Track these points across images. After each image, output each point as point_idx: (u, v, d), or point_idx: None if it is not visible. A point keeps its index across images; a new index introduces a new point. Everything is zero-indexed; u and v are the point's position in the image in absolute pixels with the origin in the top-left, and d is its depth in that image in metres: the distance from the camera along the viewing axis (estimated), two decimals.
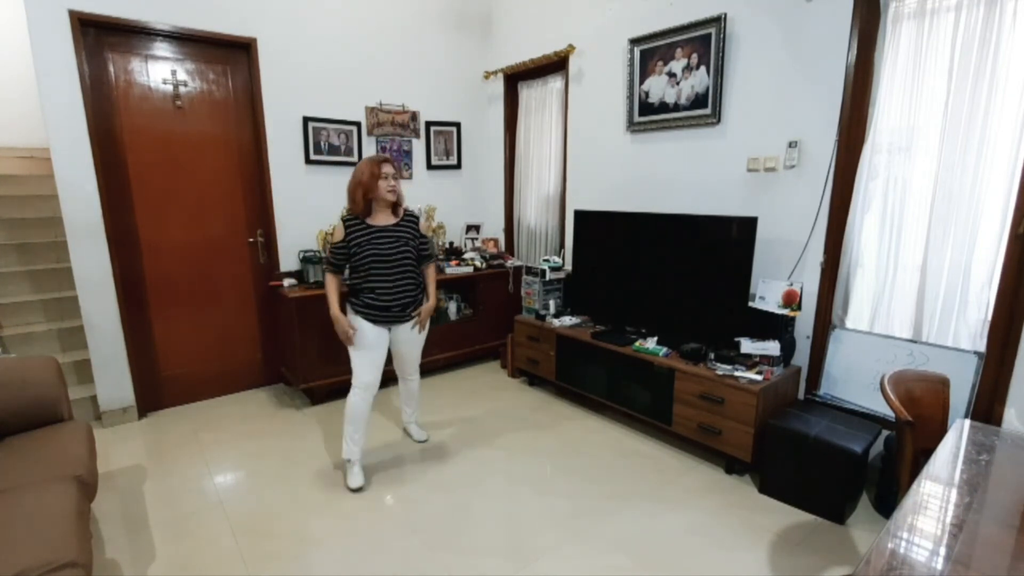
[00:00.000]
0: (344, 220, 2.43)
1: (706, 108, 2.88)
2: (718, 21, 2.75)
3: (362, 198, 2.39)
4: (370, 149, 3.86)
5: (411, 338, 2.62)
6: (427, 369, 3.83)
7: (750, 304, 2.63)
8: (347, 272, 2.50)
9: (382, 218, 2.46)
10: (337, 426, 3.11)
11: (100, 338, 3.01)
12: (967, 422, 1.72)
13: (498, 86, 4.28)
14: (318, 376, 3.34)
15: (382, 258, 2.40)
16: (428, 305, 2.61)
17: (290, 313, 3.22)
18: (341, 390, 3.51)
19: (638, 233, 3.11)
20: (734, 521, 2.22)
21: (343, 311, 2.45)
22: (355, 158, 3.77)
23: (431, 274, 2.63)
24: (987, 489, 1.36)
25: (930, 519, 1.24)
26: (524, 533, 2.15)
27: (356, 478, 2.48)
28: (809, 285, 2.60)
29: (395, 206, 2.49)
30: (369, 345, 2.46)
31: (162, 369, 3.30)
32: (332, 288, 2.43)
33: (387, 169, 2.40)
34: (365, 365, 2.48)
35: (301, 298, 3.20)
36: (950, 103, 2.16)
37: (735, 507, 2.32)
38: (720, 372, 2.53)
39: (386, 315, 2.46)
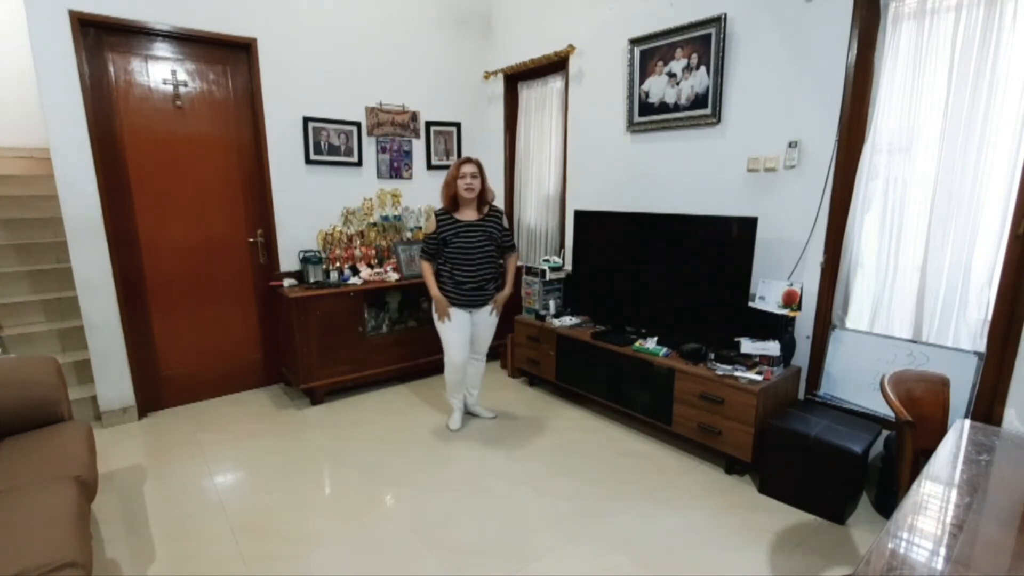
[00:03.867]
0: (436, 214, 2.80)
1: (706, 108, 2.88)
2: (718, 21, 2.75)
3: (448, 197, 2.75)
4: (370, 149, 3.86)
5: (485, 321, 2.92)
6: (426, 370, 3.84)
7: (750, 304, 2.62)
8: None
9: (468, 214, 2.78)
10: (337, 427, 3.12)
11: (100, 338, 3.01)
12: (967, 422, 1.72)
13: (498, 86, 4.28)
14: (318, 376, 3.34)
15: (467, 250, 2.74)
16: (504, 293, 2.94)
17: (290, 313, 3.22)
18: (341, 390, 3.53)
19: (638, 233, 3.11)
20: (734, 521, 2.22)
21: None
22: (355, 158, 3.77)
23: (511, 264, 2.96)
24: (987, 489, 1.36)
25: (930, 519, 1.24)
26: (524, 533, 2.16)
27: (455, 421, 3.04)
28: (809, 285, 2.60)
29: (481, 202, 2.79)
30: (454, 326, 2.82)
31: (162, 369, 3.30)
32: (428, 272, 2.83)
33: (466, 169, 2.71)
34: (453, 344, 2.85)
35: (301, 298, 3.20)
36: (950, 103, 2.16)
37: (735, 507, 2.32)
38: (720, 372, 2.53)
39: (467, 299, 2.80)
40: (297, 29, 3.43)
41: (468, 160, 2.74)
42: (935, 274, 2.27)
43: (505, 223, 2.91)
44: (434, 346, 3.60)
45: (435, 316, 2.87)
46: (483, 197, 2.79)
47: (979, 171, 2.11)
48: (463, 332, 2.86)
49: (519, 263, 4.17)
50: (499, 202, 4.47)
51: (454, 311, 2.81)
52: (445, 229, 2.74)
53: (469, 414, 3.19)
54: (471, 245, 2.75)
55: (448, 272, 2.80)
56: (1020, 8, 1.97)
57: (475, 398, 3.17)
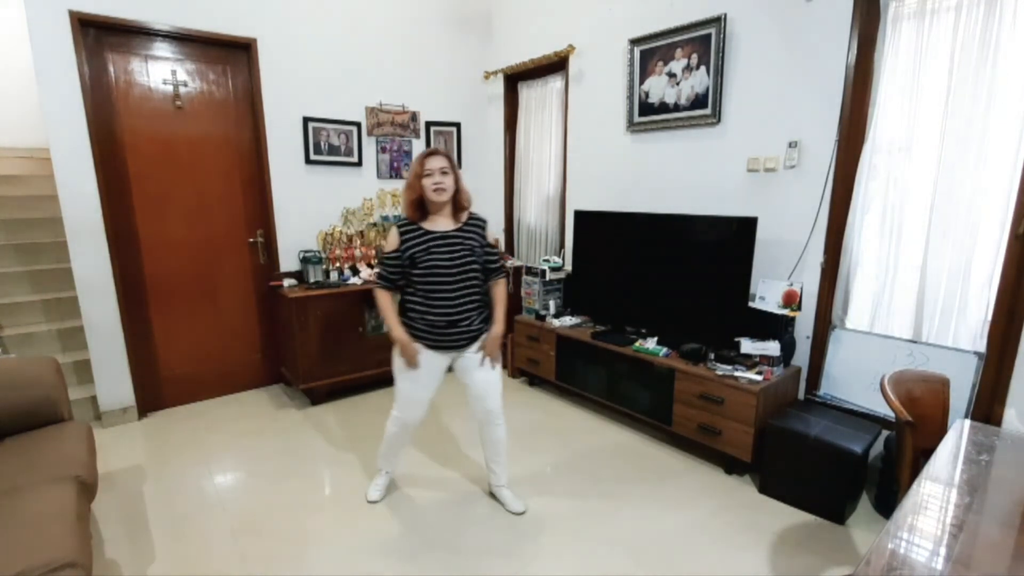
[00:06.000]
0: (399, 225, 2.08)
1: (706, 108, 2.88)
2: (718, 21, 2.75)
3: (411, 202, 2.06)
4: (370, 149, 3.86)
5: (476, 369, 2.15)
6: None
7: (750, 304, 2.62)
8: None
9: (441, 222, 2.08)
10: (337, 427, 3.11)
11: (100, 338, 3.01)
12: (967, 422, 1.72)
13: (498, 86, 4.28)
14: (318, 376, 3.34)
15: (443, 270, 2.02)
16: (494, 332, 2.13)
17: (290, 313, 3.22)
18: (341, 390, 3.53)
19: (638, 233, 3.11)
20: (734, 521, 2.22)
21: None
22: (355, 158, 3.77)
23: (501, 294, 2.18)
24: (987, 489, 1.36)
25: (930, 519, 1.24)
26: (524, 533, 2.16)
27: (374, 490, 2.35)
28: (809, 285, 2.60)
29: (457, 208, 2.11)
30: (419, 377, 2.12)
31: (162, 369, 3.30)
32: (388, 306, 2.09)
33: (433, 164, 2.02)
34: (411, 400, 2.17)
35: (301, 298, 3.20)
36: (950, 103, 2.16)
37: (735, 507, 2.32)
38: (720, 372, 2.53)
39: (446, 339, 2.07)
40: (297, 29, 3.42)
41: (434, 152, 2.04)
42: (935, 274, 2.27)
43: (490, 237, 2.18)
44: None
45: (395, 363, 2.16)
46: (458, 201, 2.10)
47: (979, 171, 2.11)
48: (429, 386, 2.16)
49: (518, 263, 4.18)
50: (499, 202, 4.47)
51: (426, 357, 2.09)
52: (411, 244, 2.02)
53: (491, 496, 2.39)
54: (448, 263, 2.02)
55: (420, 303, 2.06)
56: (1020, 8, 1.97)
57: (501, 478, 2.33)
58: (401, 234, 2.06)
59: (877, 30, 2.32)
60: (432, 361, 2.11)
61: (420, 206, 2.08)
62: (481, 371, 2.15)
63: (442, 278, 2.03)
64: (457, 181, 2.08)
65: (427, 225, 2.07)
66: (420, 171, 2.03)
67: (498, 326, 2.15)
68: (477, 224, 2.14)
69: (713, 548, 2.06)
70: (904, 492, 1.40)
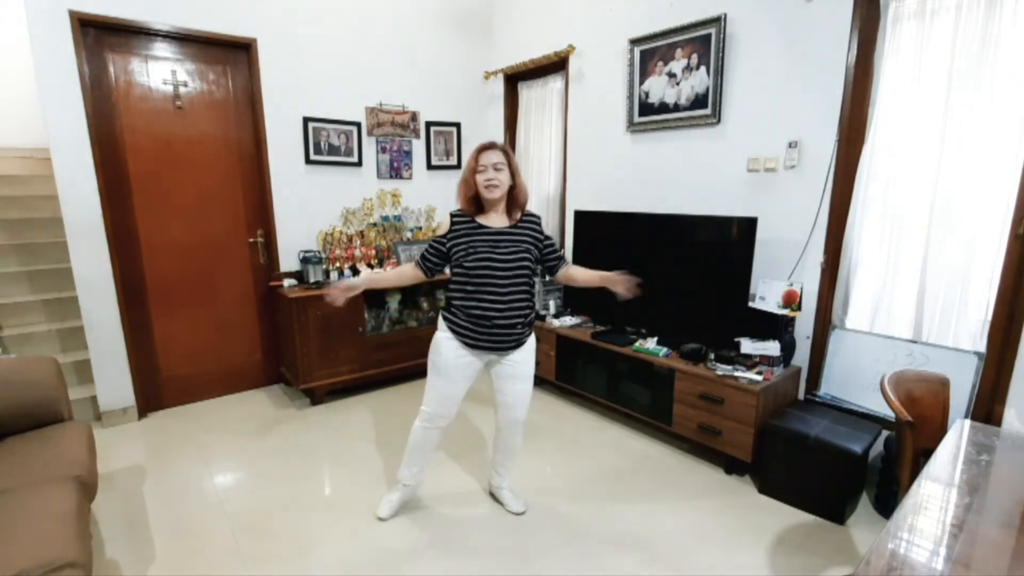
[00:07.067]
0: (453, 214, 2.03)
1: (706, 108, 2.88)
2: (718, 21, 2.75)
3: (467, 199, 2.00)
4: (370, 149, 3.86)
5: (523, 373, 2.14)
6: (426, 370, 3.82)
7: (750, 304, 2.63)
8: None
9: (495, 219, 2.01)
10: (337, 427, 3.11)
11: (100, 338, 3.01)
12: (967, 422, 1.72)
13: (498, 86, 4.28)
14: (318, 376, 3.34)
15: (494, 268, 1.94)
16: (613, 275, 2.09)
17: (290, 313, 3.22)
18: (341, 390, 3.53)
19: (638, 233, 3.11)
20: (734, 521, 2.22)
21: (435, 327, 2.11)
22: (355, 158, 3.77)
23: (577, 272, 2.21)
24: (987, 490, 1.36)
25: (930, 520, 1.24)
26: (524, 533, 2.15)
27: (386, 505, 2.24)
28: (809, 285, 2.60)
29: (512, 205, 2.03)
30: (452, 373, 2.04)
31: (162, 369, 3.30)
32: (389, 272, 2.12)
33: (486, 159, 1.93)
34: (441, 397, 2.09)
35: (301, 298, 3.20)
36: (950, 103, 2.16)
37: (735, 507, 2.32)
38: (720, 372, 2.53)
39: (488, 338, 1.99)
40: (297, 29, 3.42)
41: (491, 146, 1.96)
42: (935, 274, 2.27)
43: (545, 230, 2.13)
44: None
45: (430, 359, 2.09)
46: (514, 198, 2.01)
47: (979, 171, 2.11)
48: (461, 384, 2.08)
49: None
50: None
51: (456, 351, 2.02)
52: (460, 235, 1.96)
53: (491, 496, 2.40)
54: (500, 262, 1.94)
55: (466, 298, 1.97)
56: (1020, 8, 1.97)
57: (504, 479, 2.34)
58: (452, 223, 2.00)
59: (877, 30, 2.32)
60: (466, 359, 2.04)
61: (477, 202, 1.99)
62: (517, 382, 2.13)
63: (494, 275, 1.95)
64: (514, 176, 1.99)
65: (481, 220, 2.00)
66: (475, 166, 1.96)
67: (605, 273, 2.13)
68: (532, 221, 2.08)
69: (713, 548, 2.06)
70: (904, 492, 1.40)
